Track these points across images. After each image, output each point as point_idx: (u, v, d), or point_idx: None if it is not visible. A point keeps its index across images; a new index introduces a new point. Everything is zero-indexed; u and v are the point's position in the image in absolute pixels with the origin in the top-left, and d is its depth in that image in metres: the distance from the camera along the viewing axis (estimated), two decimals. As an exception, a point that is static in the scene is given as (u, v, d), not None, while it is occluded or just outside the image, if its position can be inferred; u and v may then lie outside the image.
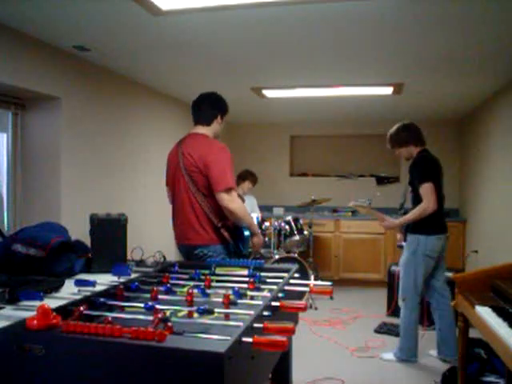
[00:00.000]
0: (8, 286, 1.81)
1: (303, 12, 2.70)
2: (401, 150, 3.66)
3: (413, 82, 4.40)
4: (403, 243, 3.70)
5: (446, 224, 3.58)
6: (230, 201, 2.60)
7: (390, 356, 3.64)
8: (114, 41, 3.30)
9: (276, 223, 5.38)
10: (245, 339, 1.23)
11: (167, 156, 2.93)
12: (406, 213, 3.61)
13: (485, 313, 2.13)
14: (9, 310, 1.67)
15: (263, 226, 5.29)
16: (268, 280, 1.99)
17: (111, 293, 1.73)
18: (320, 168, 7.14)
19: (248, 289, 1.86)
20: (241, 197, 2.80)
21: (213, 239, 2.70)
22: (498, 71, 3.95)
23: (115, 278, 2.15)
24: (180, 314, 1.57)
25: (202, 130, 2.82)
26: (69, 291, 1.91)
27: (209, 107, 2.83)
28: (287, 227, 5.40)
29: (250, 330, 1.30)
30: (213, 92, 2.89)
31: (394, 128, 3.69)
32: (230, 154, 2.71)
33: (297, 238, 5.40)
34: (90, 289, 1.87)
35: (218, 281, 2.01)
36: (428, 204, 3.35)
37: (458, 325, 2.63)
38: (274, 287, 1.86)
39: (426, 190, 3.37)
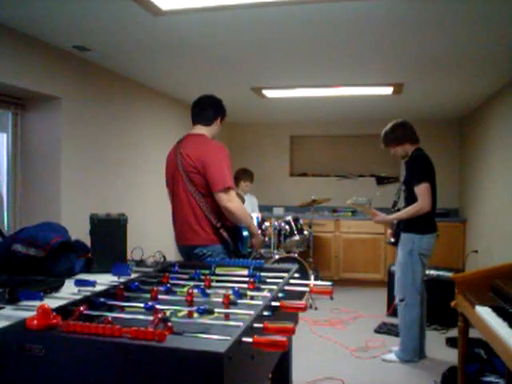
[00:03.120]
0: (8, 286, 1.81)
1: (303, 12, 2.70)
2: (397, 148, 3.61)
3: (413, 82, 4.39)
4: (392, 240, 3.70)
5: (436, 223, 3.58)
6: (228, 200, 2.60)
7: (392, 357, 3.61)
8: (114, 41, 3.30)
9: (276, 223, 5.37)
10: (245, 339, 1.23)
11: (166, 157, 2.93)
12: (398, 211, 3.61)
13: (485, 313, 2.14)
14: (9, 310, 1.67)
15: (263, 226, 5.28)
16: (268, 280, 1.99)
17: (111, 293, 1.72)
18: (320, 168, 7.14)
19: (248, 289, 1.86)
20: (241, 196, 2.80)
21: (212, 239, 2.69)
22: (498, 71, 3.94)
23: (115, 278, 2.15)
24: (180, 314, 1.57)
25: (201, 130, 2.82)
26: (69, 291, 1.91)
27: (211, 108, 2.85)
28: (287, 227, 5.39)
29: (249, 330, 1.29)
30: (213, 95, 2.92)
31: (389, 126, 3.64)
32: (227, 152, 2.72)
33: (297, 237, 5.40)
34: (90, 289, 1.87)
35: (218, 281, 2.01)
36: (423, 204, 3.36)
37: (458, 325, 2.63)
38: (274, 287, 1.86)
39: (423, 190, 3.38)
